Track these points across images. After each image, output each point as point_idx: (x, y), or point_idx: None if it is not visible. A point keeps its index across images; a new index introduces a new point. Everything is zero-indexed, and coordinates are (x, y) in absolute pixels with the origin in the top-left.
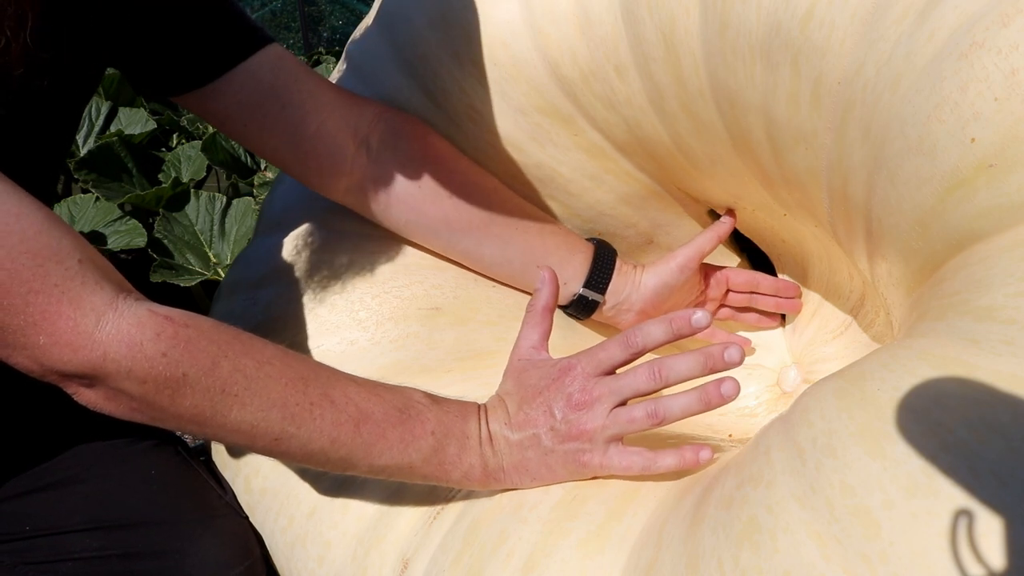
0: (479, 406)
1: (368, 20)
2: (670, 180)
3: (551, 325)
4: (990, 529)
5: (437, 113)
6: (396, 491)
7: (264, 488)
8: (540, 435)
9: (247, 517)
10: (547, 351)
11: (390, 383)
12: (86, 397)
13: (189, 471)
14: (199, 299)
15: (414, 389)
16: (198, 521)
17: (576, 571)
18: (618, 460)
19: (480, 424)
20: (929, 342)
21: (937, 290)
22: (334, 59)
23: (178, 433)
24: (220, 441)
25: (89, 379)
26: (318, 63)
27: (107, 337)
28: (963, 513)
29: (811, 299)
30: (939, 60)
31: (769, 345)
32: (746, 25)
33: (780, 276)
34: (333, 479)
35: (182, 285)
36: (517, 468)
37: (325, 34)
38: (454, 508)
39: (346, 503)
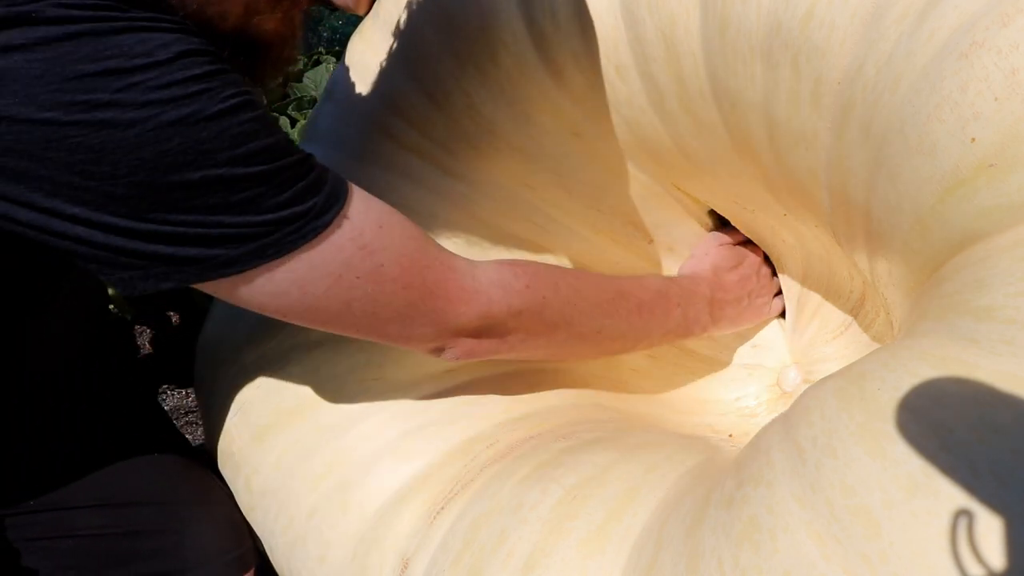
0: (698, 279)
1: (368, 20)
2: (670, 180)
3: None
4: (990, 529)
5: (437, 113)
6: (397, 491)
7: (264, 488)
8: (742, 297)
9: (239, 508)
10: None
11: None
12: (466, 346)
13: (188, 458)
14: (199, 299)
15: (653, 276)
16: (197, 504)
17: (576, 571)
18: (776, 304)
19: (704, 291)
20: (929, 342)
21: (937, 290)
22: (334, 59)
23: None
24: (561, 352)
25: (479, 328)
26: (318, 63)
27: (484, 287)
28: (963, 513)
29: (811, 299)
30: (939, 60)
31: (769, 345)
32: (746, 25)
33: (780, 276)
34: (332, 479)
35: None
36: (724, 318)
37: (325, 34)
38: (454, 508)
39: (346, 503)
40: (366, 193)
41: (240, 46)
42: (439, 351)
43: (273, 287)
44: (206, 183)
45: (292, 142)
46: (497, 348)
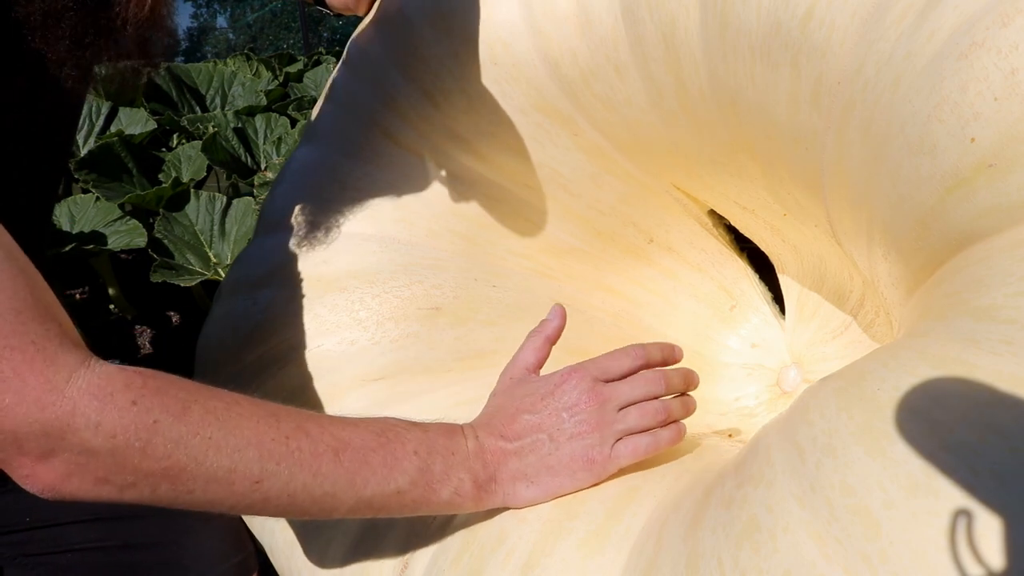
0: (463, 424)
1: (368, 20)
2: (670, 180)
3: (548, 356)
4: (990, 529)
5: (436, 113)
6: None
7: None
8: (543, 439)
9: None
10: (539, 376)
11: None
12: (43, 475)
13: None
14: (199, 299)
15: (389, 417)
16: (195, 514)
17: (576, 571)
18: (624, 449)
19: (466, 439)
20: (929, 342)
21: (937, 290)
22: (334, 59)
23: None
24: (195, 503)
25: (51, 442)
26: (318, 63)
27: (77, 392)
28: (963, 513)
29: (811, 299)
30: (939, 60)
31: (769, 345)
32: (746, 25)
33: (780, 276)
34: None
35: (182, 285)
36: (514, 477)
37: (325, 34)
38: None
39: None
40: (13, 245)
41: None
42: (21, 478)
43: None
44: None
45: None
46: (96, 489)
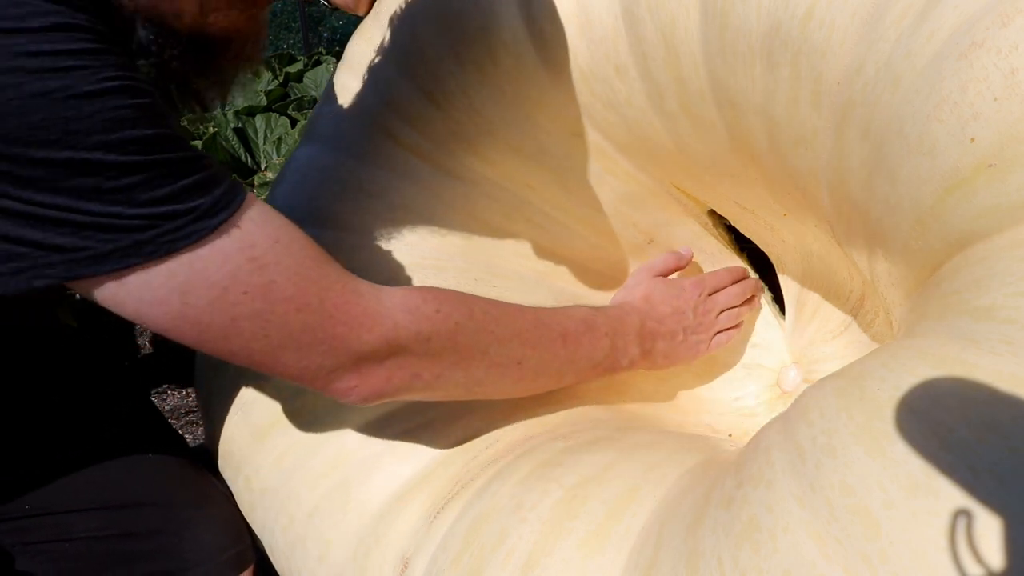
0: (626, 307)
1: (368, 21)
2: (670, 180)
3: (671, 274)
4: (990, 529)
5: (437, 114)
6: (397, 490)
7: (264, 487)
8: (679, 331)
9: (237, 507)
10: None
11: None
12: (370, 382)
13: (185, 459)
14: None
15: (580, 305)
16: (194, 505)
17: (576, 571)
18: (716, 344)
19: (632, 319)
20: (929, 342)
21: (937, 290)
22: (334, 59)
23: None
24: (482, 389)
25: (383, 354)
26: (318, 63)
27: (390, 311)
28: (963, 513)
29: (811, 299)
30: (939, 60)
31: (769, 345)
32: (746, 25)
33: (779, 276)
34: (333, 479)
35: None
36: (660, 351)
37: (325, 34)
38: (454, 507)
39: (347, 502)
40: (268, 207)
41: (198, 43)
42: (346, 391)
43: (151, 294)
44: (72, 165)
45: (181, 139)
46: (410, 384)
